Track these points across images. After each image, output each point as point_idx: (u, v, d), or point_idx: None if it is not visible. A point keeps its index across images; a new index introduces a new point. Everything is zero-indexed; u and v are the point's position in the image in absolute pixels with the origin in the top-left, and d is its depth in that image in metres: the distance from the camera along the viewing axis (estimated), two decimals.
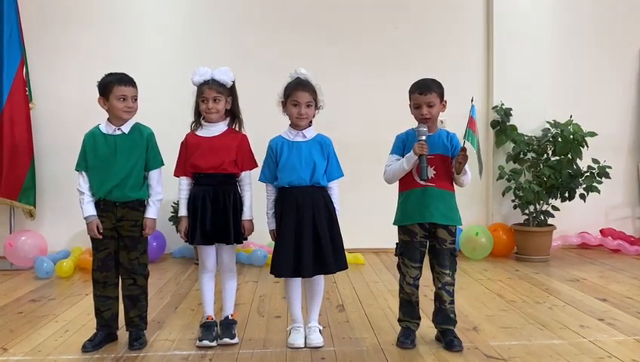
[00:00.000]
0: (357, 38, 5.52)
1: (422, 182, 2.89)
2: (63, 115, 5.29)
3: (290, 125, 3.02)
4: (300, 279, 3.02)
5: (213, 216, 2.99)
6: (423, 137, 2.83)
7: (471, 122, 2.88)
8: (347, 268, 3.03)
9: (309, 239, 2.89)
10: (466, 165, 2.88)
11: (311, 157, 2.94)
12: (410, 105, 2.97)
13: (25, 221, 5.22)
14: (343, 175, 3.04)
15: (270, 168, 3.01)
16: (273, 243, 3.02)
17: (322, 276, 3.03)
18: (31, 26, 5.21)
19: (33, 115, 5.17)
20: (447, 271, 2.94)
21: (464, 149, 2.84)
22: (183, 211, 3.04)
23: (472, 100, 2.94)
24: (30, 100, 5.15)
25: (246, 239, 3.10)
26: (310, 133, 3.00)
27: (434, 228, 2.94)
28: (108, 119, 3.02)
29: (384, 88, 5.34)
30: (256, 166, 3.11)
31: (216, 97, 3.01)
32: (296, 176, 2.92)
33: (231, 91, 3.08)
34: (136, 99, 3.00)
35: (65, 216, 5.15)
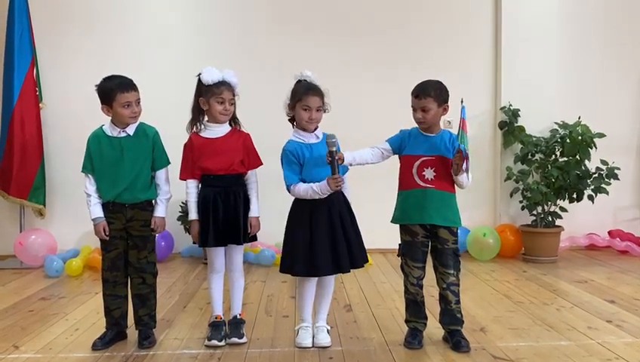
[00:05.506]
0: (364, 38, 5.51)
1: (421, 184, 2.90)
2: (73, 115, 5.31)
3: (297, 128, 3.02)
4: (315, 279, 3.02)
5: (225, 217, 2.99)
6: (334, 148, 2.81)
7: (463, 124, 2.84)
8: (367, 261, 3.03)
9: (333, 237, 2.90)
10: (468, 166, 2.86)
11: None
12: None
13: (35, 220, 5.27)
14: (348, 169, 3.06)
15: (295, 171, 2.95)
16: (281, 243, 3.03)
17: (333, 276, 3.05)
18: (41, 27, 5.25)
19: (43, 114, 5.22)
20: (451, 271, 2.94)
21: (460, 151, 2.82)
22: (193, 215, 3.03)
23: (462, 102, 2.87)
24: (40, 100, 5.20)
25: (255, 238, 3.11)
26: (320, 134, 3.03)
27: (435, 228, 2.94)
28: (112, 121, 3.02)
29: (390, 87, 5.31)
30: (262, 163, 3.12)
31: (232, 100, 3.02)
32: (319, 176, 2.91)
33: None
34: (139, 102, 3.00)
35: (74, 215, 5.17)
